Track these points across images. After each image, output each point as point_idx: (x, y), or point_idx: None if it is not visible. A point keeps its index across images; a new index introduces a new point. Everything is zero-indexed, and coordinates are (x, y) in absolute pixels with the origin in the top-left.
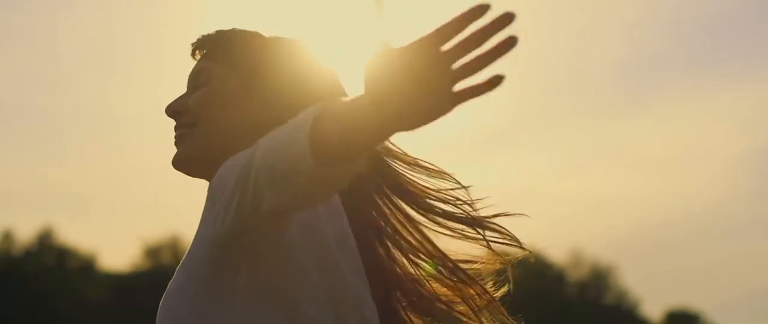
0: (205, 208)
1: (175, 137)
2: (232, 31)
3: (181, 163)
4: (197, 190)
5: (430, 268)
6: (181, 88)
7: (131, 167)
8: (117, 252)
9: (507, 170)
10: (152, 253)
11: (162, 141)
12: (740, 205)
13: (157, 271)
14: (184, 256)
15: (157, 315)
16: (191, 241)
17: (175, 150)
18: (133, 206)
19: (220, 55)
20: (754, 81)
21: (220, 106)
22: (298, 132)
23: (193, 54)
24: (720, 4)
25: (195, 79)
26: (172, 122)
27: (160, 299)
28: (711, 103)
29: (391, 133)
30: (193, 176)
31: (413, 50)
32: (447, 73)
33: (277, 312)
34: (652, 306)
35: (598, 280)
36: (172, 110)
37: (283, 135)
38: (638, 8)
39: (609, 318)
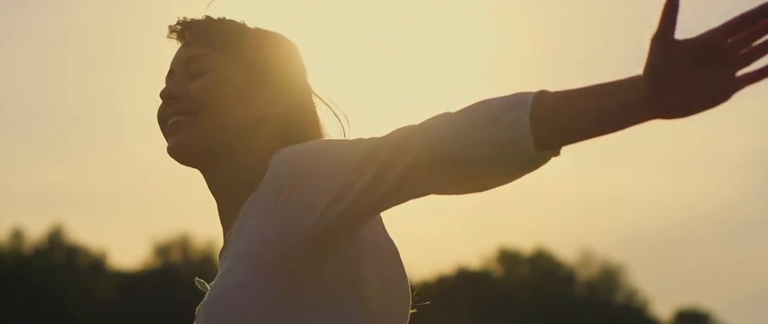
0: (269, 200)
1: (171, 124)
2: (232, 21)
3: (180, 152)
4: (207, 188)
5: None
6: None
7: (141, 166)
8: (127, 250)
9: None
10: (162, 251)
11: None
12: (750, 205)
13: (166, 270)
14: (232, 252)
15: (209, 316)
16: (243, 237)
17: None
18: (143, 205)
19: (224, 45)
20: (765, 82)
21: (226, 98)
22: (504, 119)
23: (180, 36)
24: (731, 5)
25: (191, 64)
26: None
27: (169, 297)
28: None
29: (649, 120)
30: (186, 165)
31: (701, 42)
32: (732, 63)
33: (356, 302)
34: (662, 305)
35: (608, 279)
36: (171, 95)
37: (466, 123)
38: (649, 8)
39: (618, 317)
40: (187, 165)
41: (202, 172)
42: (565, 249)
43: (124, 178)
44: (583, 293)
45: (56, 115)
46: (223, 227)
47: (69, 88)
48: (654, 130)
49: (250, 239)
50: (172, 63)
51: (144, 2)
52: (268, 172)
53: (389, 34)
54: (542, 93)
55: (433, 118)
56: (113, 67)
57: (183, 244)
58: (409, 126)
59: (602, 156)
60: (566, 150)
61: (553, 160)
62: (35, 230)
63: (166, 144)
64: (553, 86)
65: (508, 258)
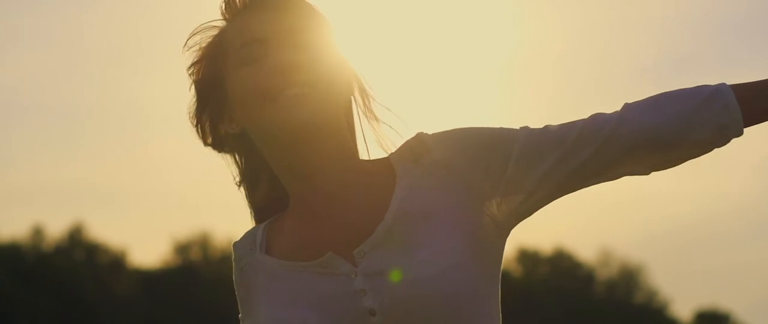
0: (472, 180)
1: (292, 95)
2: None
3: (311, 126)
4: (227, 187)
5: None
6: None
7: (162, 164)
8: (147, 248)
9: None
10: (182, 249)
11: (193, 138)
12: None
13: (186, 267)
14: (434, 230)
15: (439, 287)
16: (434, 218)
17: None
18: (163, 203)
19: (320, 21)
20: None
21: (337, 73)
22: (711, 108)
23: (276, 4)
24: (747, 6)
25: (296, 35)
26: None
27: (189, 294)
28: None
29: None
30: (306, 141)
31: None
32: None
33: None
34: (682, 306)
35: (628, 279)
36: (294, 64)
37: (674, 113)
38: (665, 10)
39: (638, 317)
40: (306, 141)
41: (309, 148)
42: (585, 249)
43: (144, 176)
44: (603, 293)
45: (77, 113)
46: (299, 210)
47: (89, 86)
48: None
49: (455, 221)
50: (262, 31)
51: (165, 1)
52: (438, 153)
53: (409, 36)
54: (731, 86)
55: (626, 111)
56: (133, 65)
57: (202, 242)
58: (599, 115)
59: None
60: None
61: None
62: (56, 228)
63: (187, 144)
64: (571, 87)
65: (527, 258)
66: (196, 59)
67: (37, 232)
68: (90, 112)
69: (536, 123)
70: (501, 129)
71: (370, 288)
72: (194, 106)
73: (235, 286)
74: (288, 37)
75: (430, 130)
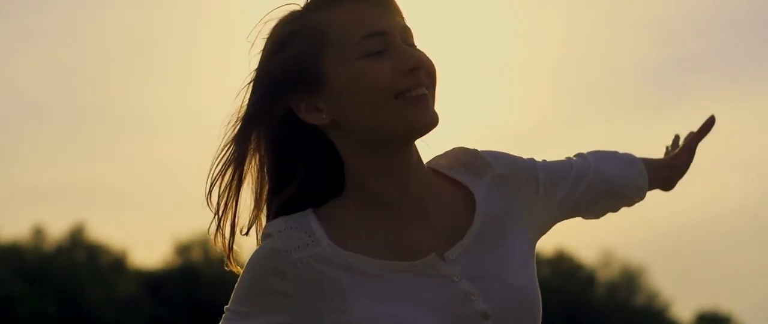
0: (527, 195)
1: (418, 95)
2: None
3: (432, 126)
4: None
5: None
6: (211, 87)
7: (163, 164)
8: (148, 249)
9: None
10: (183, 250)
11: (194, 138)
12: None
13: (187, 269)
14: (514, 239)
15: (531, 302)
16: (509, 228)
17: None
18: (165, 203)
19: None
20: None
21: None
22: (637, 171)
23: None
24: (747, 6)
25: (406, 35)
26: (205, 121)
27: (190, 296)
28: (742, 104)
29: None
30: (412, 141)
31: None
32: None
33: None
34: (683, 307)
35: (629, 281)
36: (425, 64)
37: (622, 170)
38: (666, 10)
39: (639, 319)
40: (411, 141)
41: (409, 148)
42: (586, 250)
43: (146, 177)
44: (604, 295)
45: (77, 113)
46: (380, 209)
47: (90, 87)
48: (674, 133)
49: (522, 230)
50: (381, 25)
51: (170, 3)
52: (499, 167)
53: None
54: (641, 160)
55: (599, 158)
56: (135, 66)
57: (204, 243)
58: (584, 159)
59: None
60: (585, 152)
61: None
62: (57, 228)
63: (188, 144)
64: (571, 86)
65: None
66: (284, 41)
67: (38, 233)
68: (91, 112)
69: (536, 123)
70: (524, 158)
71: (478, 291)
72: (274, 88)
73: (263, 276)
74: (402, 35)
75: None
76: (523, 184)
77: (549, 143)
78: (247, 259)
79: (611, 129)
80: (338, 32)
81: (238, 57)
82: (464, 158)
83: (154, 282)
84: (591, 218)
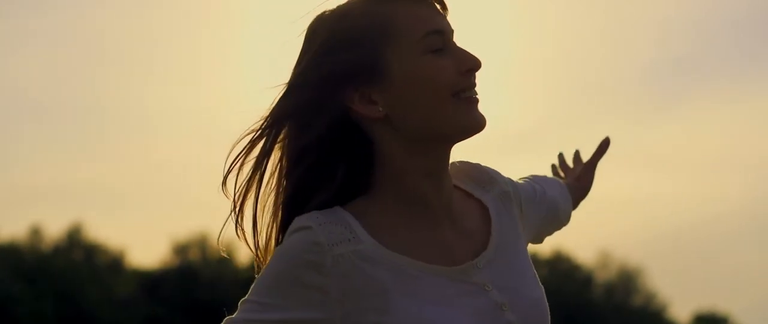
0: (515, 210)
1: (471, 97)
2: None
3: (482, 128)
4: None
5: None
6: (210, 87)
7: (161, 164)
8: (146, 249)
9: (535, 171)
10: (181, 250)
11: (192, 138)
12: None
13: (185, 269)
14: (524, 253)
15: (545, 315)
16: (519, 242)
17: None
18: (162, 203)
19: None
20: None
21: None
22: (568, 196)
23: (441, 3)
24: (747, 6)
25: (453, 38)
26: (203, 121)
27: (188, 296)
28: (740, 104)
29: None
30: (455, 143)
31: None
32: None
33: None
34: (680, 308)
35: (626, 281)
36: (479, 65)
37: (562, 196)
38: (666, 10)
39: (637, 320)
40: (454, 143)
41: (447, 152)
42: (584, 251)
43: (144, 177)
44: (602, 295)
45: (75, 113)
46: (417, 210)
47: (89, 86)
48: (673, 133)
49: (523, 252)
50: (440, 24)
51: (170, 4)
52: (503, 184)
53: None
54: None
55: (546, 184)
56: (133, 66)
57: (202, 243)
58: (536, 183)
59: (620, 158)
60: (583, 152)
61: None
62: (54, 228)
63: (186, 144)
64: (571, 87)
65: None
66: (345, 32)
67: (36, 233)
68: (89, 112)
69: (536, 123)
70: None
71: (507, 302)
72: (333, 77)
73: (298, 269)
74: (453, 37)
75: None
76: (517, 203)
77: (549, 143)
78: (278, 250)
79: (611, 129)
80: (402, 26)
81: (239, 57)
82: (471, 172)
83: (152, 282)
84: (535, 243)
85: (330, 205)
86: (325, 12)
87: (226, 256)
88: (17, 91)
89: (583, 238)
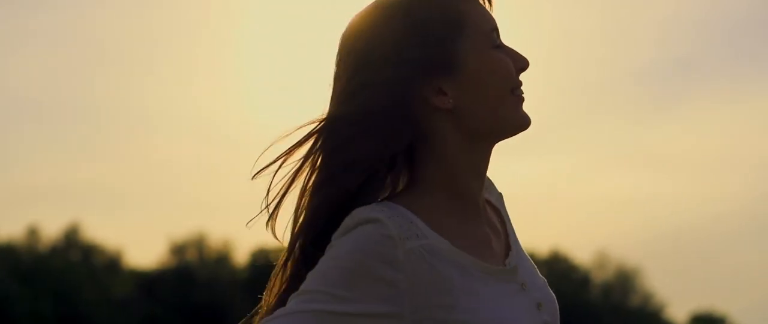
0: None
1: (520, 96)
2: None
3: (527, 127)
4: (223, 188)
5: None
6: (209, 87)
7: (158, 164)
8: (143, 249)
9: (534, 171)
10: (178, 250)
11: (190, 139)
12: (767, 208)
13: (182, 269)
14: (529, 261)
15: (556, 308)
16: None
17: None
18: (160, 203)
19: None
20: None
21: None
22: None
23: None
24: (747, 7)
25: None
26: (200, 122)
27: (185, 296)
28: (739, 105)
29: None
30: (498, 142)
31: None
32: None
33: None
34: (678, 309)
35: (624, 282)
36: (528, 64)
37: None
38: (666, 10)
39: (634, 320)
40: (498, 142)
41: (491, 150)
42: (581, 251)
43: (141, 177)
44: (599, 296)
45: (74, 113)
46: (466, 207)
47: (88, 86)
48: (672, 133)
49: (525, 255)
50: (494, 22)
51: (170, 4)
52: (496, 187)
53: None
54: None
55: None
56: (131, 66)
57: (199, 243)
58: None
59: (618, 158)
60: (582, 152)
61: (571, 161)
62: (52, 228)
63: (184, 145)
64: (570, 87)
65: None
66: (421, 24)
67: (33, 233)
68: (88, 112)
69: (536, 123)
70: None
71: (542, 301)
72: (410, 69)
73: (371, 262)
74: (498, 35)
75: None
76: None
77: (549, 143)
78: (346, 242)
79: (611, 129)
80: (473, 20)
81: (239, 57)
82: None
83: (149, 282)
84: None
85: (376, 198)
86: (382, 4)
87: (278, 239)
88: (15, 91)
89: (580, 238)
